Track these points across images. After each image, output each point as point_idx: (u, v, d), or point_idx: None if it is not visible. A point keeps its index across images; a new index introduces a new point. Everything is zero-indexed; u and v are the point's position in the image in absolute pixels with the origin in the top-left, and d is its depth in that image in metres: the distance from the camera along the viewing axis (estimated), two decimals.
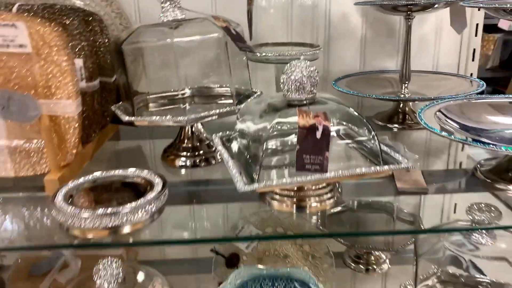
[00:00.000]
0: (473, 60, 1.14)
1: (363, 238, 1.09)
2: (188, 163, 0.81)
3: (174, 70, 0.77)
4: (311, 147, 0.56)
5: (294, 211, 0.64)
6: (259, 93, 0.82)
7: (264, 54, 0.92)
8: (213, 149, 0.82)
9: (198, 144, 0.82)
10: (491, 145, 0.60)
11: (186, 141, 0.81)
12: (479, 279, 0.88)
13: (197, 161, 0.81)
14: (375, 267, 1.10)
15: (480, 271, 0.85)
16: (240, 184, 0.56)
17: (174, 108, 0.82)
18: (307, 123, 0.56)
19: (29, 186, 0.72)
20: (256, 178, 0.57)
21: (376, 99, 0.92)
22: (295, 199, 0.63)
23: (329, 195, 0.64)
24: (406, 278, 0.96)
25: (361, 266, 1.10)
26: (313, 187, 0.63)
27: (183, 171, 0.81)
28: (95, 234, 0.59)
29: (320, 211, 0.64)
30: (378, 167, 0.58)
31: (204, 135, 0.83)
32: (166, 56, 0.74)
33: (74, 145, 0.70)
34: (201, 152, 0.82)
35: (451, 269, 0.86)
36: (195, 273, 1.06)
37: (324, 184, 0.63)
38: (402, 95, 0.96)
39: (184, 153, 0.81)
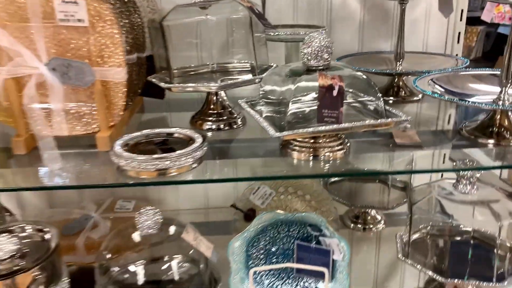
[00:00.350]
0: (458, 42, 1.28)
1: (362, 199, 1.23)
2: (213, 126, 0.93)
3: (205, 45, 0.89)
4: (329, 103, 0.69)
5: (311, 159, 0.76)
6: (275, 66, 0.94)
7: (277, 33, 1.04)
8: (235, 115, 0.95)
9: (222, 110, 0.94)
10: (476, 103, 0.74)
11: (212, 107, 0.93)
12: (463, 228, 1.02)
13: (221, 125, 0.93)
14: (371, 226, 1.24)
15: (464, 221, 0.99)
16: (272, 131, 0.68)
17: (203, 79, 0.94)
18: (325, 83, 0.68)
19: (82, 144, 0.83)
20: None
21: (374, 73, 1.05)
22: (311, 149, 0.75)
23: (339, 147, 0.76)
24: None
25: (359, 226, 1.24)
26: (326, 140, 0.75)
27: (209, 133, 0.93)
28: (147, 175, 0.71)
29: (331, 159, 0.76)
30: (383, 120, 0.71)
31: (227, 103, 0.95)
32: (197, 33, 0.86)
33: (120, 108, 0.82)
34: (225, 117, 0.94)
35: (440, 220, 1.00)
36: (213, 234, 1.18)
37: (335, 138, 0.76)
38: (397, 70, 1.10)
39: (210, 118, 0.93)
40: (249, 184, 1.09)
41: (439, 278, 0.87)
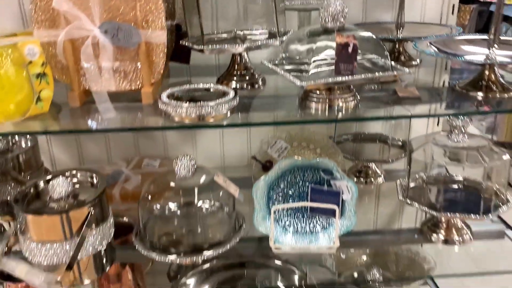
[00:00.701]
0: (452, 13, 1.40)
1: (365, 155, 1.37)
2: (238, 86, 1.05)
3: (226, 14, 1.01)
4: (345, 58, 0.82)
5: (326, 109, 0.89)
6: (292, 31, 1.07)
7: (292, 2, 1.16)
8: (256, 76, 1.07)
9: (245, 71, 1.07)
10: (466, 58, 0.87)
11: (236, 68, 1.06)
12: (455, 175, 1.16)
13: (244, 85, 1.06)
14: (372, 180, 1.38)
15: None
16: (297, 81, 0.81)
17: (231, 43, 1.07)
18: (342, 41, 0.81)
19: (127, 99, 0.95)
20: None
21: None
22: (327, 100, 0.88)
23: (351, 98, 0.90)
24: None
25: (361, 179, 1.38)
26: (340, 92, 0.89)
27: None
28: (189, 120, 0.84)
29: (344, 109, 0.89)
30: (390, 72, 0.84)
31: (249, 64, 1.08)
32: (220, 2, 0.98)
33: (161, 67, 0.94)
34: (247, 78, 1.07)
35: (434, 167, 1.14)
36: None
37: (347, 90, 0.89)
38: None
39: (235, 78, 1.06)
40: (266, 142, 1.22)
41: (433, 213, 1.02)
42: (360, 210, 1.27)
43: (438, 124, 1.43)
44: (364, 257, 1.31)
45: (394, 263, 1.31)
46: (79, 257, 0.91)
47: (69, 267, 0.90)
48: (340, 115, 0.87)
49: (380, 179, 1.38)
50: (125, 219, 1.23)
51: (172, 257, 0.96)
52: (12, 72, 0.81)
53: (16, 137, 1.23)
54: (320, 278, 1.16)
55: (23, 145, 1.21)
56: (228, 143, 1.43)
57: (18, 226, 0.93)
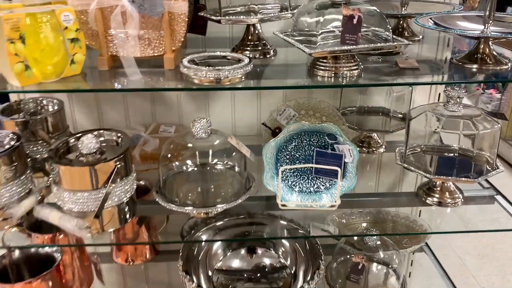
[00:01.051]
0: None
1: (368, 125, 1.46)
2: (251, 55, 1.14)
3: None
4: (350, 29, 0.90)
5: (332, 76, 0.97)
6: (302, 5, 1.15)
7: None
8: (268, 47, 1.16)
9: (258, 42, 1.15)
10: (463, 31, 0.95)
11: (250, 38, 1.15)
12: (450, 147, 1.25)
13: (257, 54, 1.15)
14: (374, 150, 1.47)
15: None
16: (306, 49, 0.90)
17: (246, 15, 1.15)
18: (348, 13, 0.89)
19: (150, 65, 1.04)
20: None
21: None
22: (333, 68, 0.97)
23: (355, 67, 0.98)
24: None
25: (364, 149, 1.47)
26: (345, 61, 0.97)
27: None
28: (208, 82, 0.93)
29: (348, 76, 0.97)
30: (391, 43, 0.92)
31: (262, 35, 1.16)
32: None
33: (182, 35, 1.03)
34: (260, 48, 1.15)
35: (431, 136, 1.23)
36: None
37: (352, 60, 0.98)
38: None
39: (248, 48, 1.15)
40: (275, 110, 1.31)
41: (428, 176, 1.11)
42: (361, 178, 1.37)
43: (438, 99, 1.51)
44: (364, 224, 1.41)
45: (392, 230, 1.42)
46: (105, 207, 1.01)
47: (97, 215, 1.01)
48: (344, 81, 0.96)
49: (382, 149, 1.47)
50: (142, 182, 1.34)
51: (188, 208, 1.06)
52: (51, 36, 0.90)
53: (44, 101, 1.33)
54: (321, 238, 1.27)
55: (50, 108, 1.32)
56: (239, 112, 1.52)
57: (52, 177, 1.03)
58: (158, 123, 1.49)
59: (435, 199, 1.18)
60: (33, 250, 1.27)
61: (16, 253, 1.26)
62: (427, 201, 1.18)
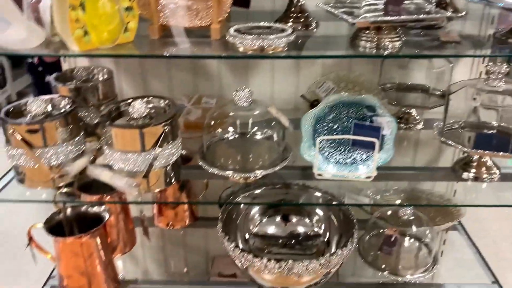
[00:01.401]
0: None
1: (406, 102, 1.47)
2: (293, 27, 1.17)
3: None
4: (393, 0, 0.92)
5: (374, 50, 1.00)
6: None
7: None
8: (311, 19, 1.19)
9: (300, 14, 1.18)
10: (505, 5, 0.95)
11: (292, 10, 1.18)
12: (489, 124, 1.25)
13: (299, 26, 1.18)
14: (412, 126, 1.48)
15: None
16: (349, 19, 0.92)
17: None
18: None
19: (197, 35, 1.09)
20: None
21: None
22: (375, 39, 0.99)
23: (397, 39, 1.00)
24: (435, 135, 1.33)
25: (402, 125, 1.49)
26: (387, 33, 0.99)
27: None
28: (252, 51, 0.97)
29: (390, 49, 0.99)
30: (435, 15, 0.94)
31: (303, 7, 1.19)
32: None
33: (228, 6, 1.07)
34: (302, 20, 1.18)
35: (471, 116, 1.23)
36: None
37: (394, 31, 0.99)
38: None
39: (291, 20, 1.18)
40: (314, 83, 1.35)
41: (465, 149, 1.12)
42: (398, 154, 1.39)
43: (479, 77, 1.50)
44: (398, 201, 1.44)
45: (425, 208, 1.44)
46: (152, 168, 1.08)
47: (145, 175, 1.08)
48: (386, 52, 0.98)
49: (419, 126, 1.48)
50: (183, 152, 1.40)
51: (229, 172, 1.12)
52: (108, 4, 0.97)
53: (95, 70, 1.41)
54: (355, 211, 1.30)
55: (101, 77, 1.40)
56: (278, 85, 1.56)
57: (104, 139, 1.11)
58: (200, 95, 1.55)
59: (472, 174, 1.19)
60: (83, 208, 1.36)
61: (68, 211, 1.36)
62: (463, 176, 1.19)
